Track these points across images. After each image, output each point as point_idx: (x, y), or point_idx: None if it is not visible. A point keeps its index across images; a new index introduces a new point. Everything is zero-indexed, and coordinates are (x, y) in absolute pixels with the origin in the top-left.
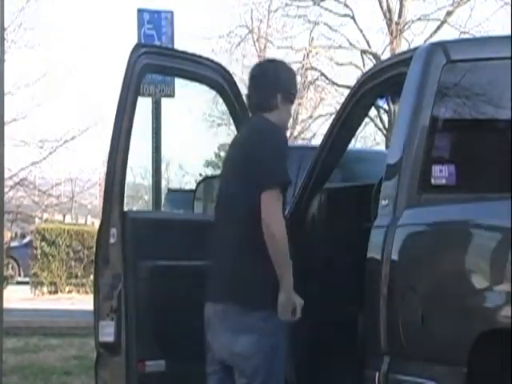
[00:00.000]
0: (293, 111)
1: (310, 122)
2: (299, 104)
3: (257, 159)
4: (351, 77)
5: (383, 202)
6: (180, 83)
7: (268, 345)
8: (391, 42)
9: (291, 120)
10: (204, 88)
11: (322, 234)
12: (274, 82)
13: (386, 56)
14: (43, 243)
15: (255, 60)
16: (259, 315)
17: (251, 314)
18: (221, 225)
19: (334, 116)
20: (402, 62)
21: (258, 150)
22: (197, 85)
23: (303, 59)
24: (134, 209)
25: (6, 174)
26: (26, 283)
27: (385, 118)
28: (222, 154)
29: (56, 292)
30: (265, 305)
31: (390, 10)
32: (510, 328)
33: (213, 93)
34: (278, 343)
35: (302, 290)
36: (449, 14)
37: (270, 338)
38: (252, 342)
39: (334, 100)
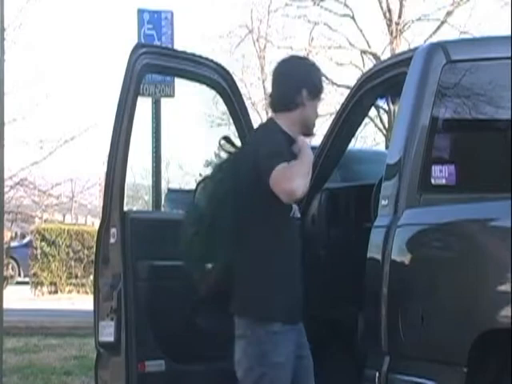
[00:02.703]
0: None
1: None
2: None
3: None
4: (351, 77)
5: (383, 202)
6: (180, 83)
7: (254, 352)
8: (391, 42)
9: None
10: (204, 88)
11: (321, 234)
12: (300, 78)
13: (386, 56)
14: (43, 243)
15: (255, 60)
16: (245, 322)
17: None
18: None
19: (334, 116)
20: (402, 61)
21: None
22: (197, 85)
23: None
24: (134, 209)
25: (6, 174)
26: (26, 283)
27: (385, 118)
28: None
29: (56, 292)
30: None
31: (389, 10)
32: (509, 328)
33: (213, 93)
34: (265, 352)
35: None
36: (449, 13)
37: (256, 346)
38: (240, 349)
39: (334, 100)
